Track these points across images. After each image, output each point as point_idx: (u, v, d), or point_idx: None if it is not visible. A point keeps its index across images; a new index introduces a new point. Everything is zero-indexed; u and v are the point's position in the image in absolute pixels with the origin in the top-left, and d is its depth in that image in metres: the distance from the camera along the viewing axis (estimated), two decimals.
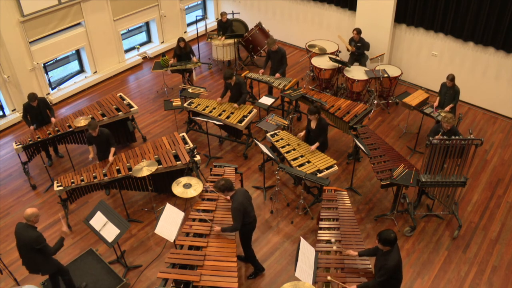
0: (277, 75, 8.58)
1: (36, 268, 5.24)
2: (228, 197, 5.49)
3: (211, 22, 12.62)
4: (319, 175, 6.36)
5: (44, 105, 7.55)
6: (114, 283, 5.69)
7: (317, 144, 6.82)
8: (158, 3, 10.98)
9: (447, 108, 7.44)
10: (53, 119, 7.62)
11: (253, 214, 5.55)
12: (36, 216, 5.03)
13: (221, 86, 9.89)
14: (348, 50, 9.31)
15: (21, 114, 9.16)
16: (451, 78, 7.32)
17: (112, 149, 6.87)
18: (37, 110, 7.45)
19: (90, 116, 7.69)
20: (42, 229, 6.77)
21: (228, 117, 7.67)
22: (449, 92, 7.46)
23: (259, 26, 10.33)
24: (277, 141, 7.11)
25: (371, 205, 7.00)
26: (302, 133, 7.12)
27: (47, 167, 7.79)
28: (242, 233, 5.60)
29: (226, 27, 10.38)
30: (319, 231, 5.48)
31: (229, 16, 10.44)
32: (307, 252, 5.06)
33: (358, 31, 8.96)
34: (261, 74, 8.69)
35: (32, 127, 7.52)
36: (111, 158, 6.80)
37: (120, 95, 8.30)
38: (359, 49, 9.14)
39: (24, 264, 5.22)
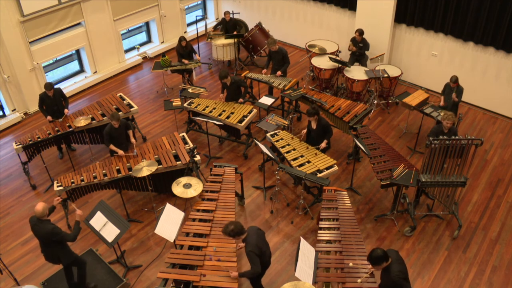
0: (278, 73, 8.59)
1: (56, 258, 5.31)
2: (240, 241, 5.02)
3: (211, 22, 12.62)
4: (319, 175, 6.36)
5: (60, 95, 7.68)
6: (114, 283, 5.69)
7: (325, 141, 6.84)
8: (158, 3, 10.98)
9: (453, 95, 7.26)
10: (66, 111, 7.70)
11: (268, 253, 5.15)
12: (46, 209, 5.07)
13: (221, 86, 9.88)
14: (349, 50, 9.30)
15: (22, 114, 9.21)
16: (454, 80, 7.31)
17: (130, 132, 7.10)
18: (52, 100, 7.55)
19: (90, 116, 7.69)
20: None
21: (228, 117, 7.67)
22: (452, 92, 7.45)
23: (259, 26, 10.33)
24: (277, 141, 7.12)
25: (371, 205, 7.00)
26: (304, 131, 7.10)
27: (47, 167, 7.79)
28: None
29: (230, 26, 10.36)
30: (319, 231, 5.47)
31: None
32: (307, 252, 5.06)
33: (361, 32, 8.96)
34: (264, 73, 8.71)
35: (49, 117, 7.59)
36: (133, 140, 7.07)
37: (120, 95, 8.30)
38: (361, 49, 9.15)
39: (44, 255, 5.31)
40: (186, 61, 9.31)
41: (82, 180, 6.60)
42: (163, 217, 5.60)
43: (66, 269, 5.51)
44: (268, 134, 7.24)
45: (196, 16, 11.94)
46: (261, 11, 11.69)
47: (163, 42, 11.63)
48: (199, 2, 12.33)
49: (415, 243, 6.36)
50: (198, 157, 6.73)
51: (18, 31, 8.70)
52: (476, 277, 5.89)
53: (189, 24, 12.19)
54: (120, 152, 6.88)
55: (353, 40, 9.21)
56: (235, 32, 10.30)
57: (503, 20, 7.91)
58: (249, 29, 10.63)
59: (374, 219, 6.74)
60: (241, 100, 7.91)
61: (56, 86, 7.68)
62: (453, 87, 7.41)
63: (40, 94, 7.54)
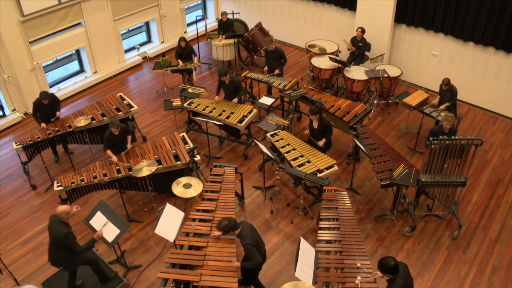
0: (277, 71, 8.60)
1: (59, 262, 5.30)
2: (235, 236, 5.10)
3: (211, 22, 12.62)
4: (319, 175, 6.36)
5: (54, 101, 7.65)
6: (114, 283, 5.69)
7: (324, 140, 6.86)
8: (158, 3, 10.98)
9: (442, 107, 7.47)
10: (58, 113, 7.69)
11: (263, 247, 5.21)
12: (68, 214, 5.12)
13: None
14: (348, 49, 9.31)
15: (22, 114, 9.21)
16: (446, 82, 7.36)
17: (129, 137, 7.05)
18: (48, 108, 7.51)
19: (90, 116, 7.70)
20: (41, 230, 6.79)
21: (228, 117, 7.67)
22: (447, 94, 7.51)
23: (259, 26, 10.33)
24: (277, 141, 7.12)
25: (371, 205, 7.00)
26: (307, 131, 7.13)
27: (47, 167, 7.79)
28: (251, 269, 5.17)
29: (227, 26, 10.38)
30: (319, 231, 5.47)
31: (229, 16, 10.43)
32: (307, 252, 5.06)
33: (363, 30, 8.98)
34: (265, 71, 8.72)
35: (43, 125, 7.54)
36: (129, 145, 7.00)
37: (120, 95, 8.30)
38: (360, 49, 9.14)
39: (48, 256, 5.29)
40: (180, 62, 9.29)
41: (82, 180, 6.60)
42: (163, 217, 5.60)
43: (71, 273, 5.51)
44: (268, 134, 7.24)
45: (196, 16, 11.94)
46: (261, 11, 11.69)
47: (163, 42, 11.63)
48: (199, 2, 12.33)
49: (415, 243, 6.36)
50: (198, 157, 6.73)
51: (18, 31, 8.70)
52: (476, 277, 5.89)
53: (189, 24, 12.19)
54: (114, 158, 6.79)
55: (353, 39, 9.22)
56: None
57: (503, 20, 7.91)
58: (249, 29, 10.63)
59: (374, 219, 6.74)
60: (235, 100, 7.89)
61: (49, 92, 7.62)
62: (446, 90, 7.45)
63: (35, 102, 7.43)
